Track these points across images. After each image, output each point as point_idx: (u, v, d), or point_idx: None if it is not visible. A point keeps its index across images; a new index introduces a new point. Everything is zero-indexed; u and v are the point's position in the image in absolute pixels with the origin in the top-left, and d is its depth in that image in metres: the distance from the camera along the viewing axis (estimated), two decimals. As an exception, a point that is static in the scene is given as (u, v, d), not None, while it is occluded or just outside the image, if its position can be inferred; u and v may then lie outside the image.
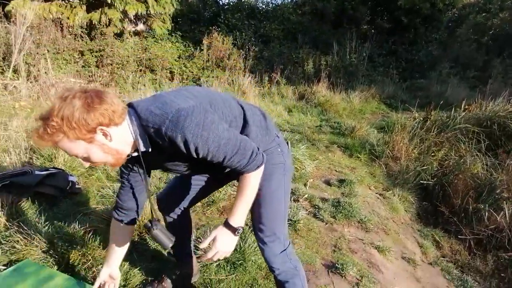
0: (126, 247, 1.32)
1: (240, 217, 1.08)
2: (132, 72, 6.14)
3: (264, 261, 1.78)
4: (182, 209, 1.44)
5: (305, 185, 2.86)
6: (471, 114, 4.37)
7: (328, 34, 8.91)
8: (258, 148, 1.06)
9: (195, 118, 0.91)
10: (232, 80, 6.41)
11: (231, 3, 9.36)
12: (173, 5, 7.59)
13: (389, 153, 3.81)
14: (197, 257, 1.69)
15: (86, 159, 0.98)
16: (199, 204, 2.22)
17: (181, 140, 0.92)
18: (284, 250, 1.23)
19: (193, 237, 1.63)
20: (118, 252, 1.31)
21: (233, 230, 1.07)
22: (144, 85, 5.94)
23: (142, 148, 1.01)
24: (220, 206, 2.32)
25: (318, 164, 3.36)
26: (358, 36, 8.28)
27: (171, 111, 0.92)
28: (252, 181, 1.07)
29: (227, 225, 1.08)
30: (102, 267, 1.34)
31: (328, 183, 3.01)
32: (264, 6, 9.67)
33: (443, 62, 8.76)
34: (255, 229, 1.24)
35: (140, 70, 6.43)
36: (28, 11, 5.16)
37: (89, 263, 1.63)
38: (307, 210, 2.46)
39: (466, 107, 4.64)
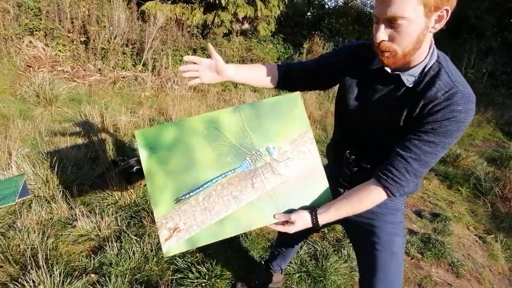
0: (250, 76, 1.14)
1: (331, 218, 0.99)
2: (234, 71, 6.64)
3: (343, 283, 1.87)
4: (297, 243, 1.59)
5: (393, 212, 2.78)
6: None
7: (443, 43, 8.09)
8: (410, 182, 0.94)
9: (469, 117, 0.87)
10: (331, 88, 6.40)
11: (337, 7, 9.23)
12: (279, 8, 7.89)
13: (498, 191, 3.38)
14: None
15: (393, 28, 0.83)
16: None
17: (453, 107, 0.84)
18: None
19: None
20: (243, 68, 1.14)
21: (315, 225, 0.98)
22: (243, 84, 6.38)
23: (417, 72, 0.91)
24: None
25: (410, 191, 3.19)
26: (479, 49, 7.32)
27: (471, 94, 0.88)
28: (372, 199, 0.95)
29: (314, 219, 0.98)
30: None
31: (419, 214, 2.86)
32: (372, 10, 9.26)
33: None
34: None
35: (242, 70, 6.90)
36: (159, 13, 6.02)
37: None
38: (392, 240, 2.41)
39: None
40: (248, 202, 1.00)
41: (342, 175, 1.13)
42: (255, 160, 1.03)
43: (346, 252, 2.08)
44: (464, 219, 2.94)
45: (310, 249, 2.10)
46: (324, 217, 0.98)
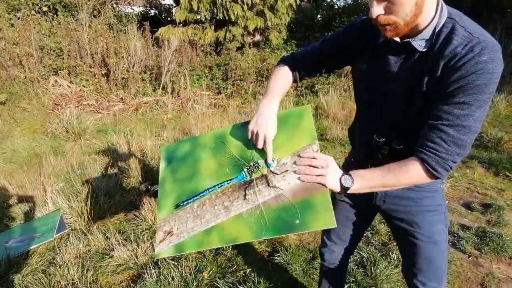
0: (287, 87, 1.11)
1: (364, 181, 0.86)
2: (251, 83, 6.65)
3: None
4: (343, 255, 1.31)
5: (439, 207, 2.58)
6: None
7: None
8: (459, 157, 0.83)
9: (498, 67, 0.76)
10: (349, 86, 6.24)
11: (347, 6, 9.12)
12: (288, 15, 7.88)
13: (552, 172, 3.08)
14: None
15: (387, 0, 0.77)
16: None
17: (477, 58, 0.75)
18: None
19: None
20: (284, 86, 1.09)
21: (347, 179, 0.85)
22: (261, 94, 6.37)
23: (426, 36, 0.83)
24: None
25: (454, 183, 2.98)
26: (503, 28, 6.91)
27: (494, 42, 0.77)
28: (410, 173, 0.84)
29: (346, 173, 0.87)
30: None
31: (468, 207, 2.64)
32: None
33: None
34: (413, 278, 1.11)
35: (259, 80, 6.90)
36: (172, 37, 6.17)
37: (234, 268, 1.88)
38: (444, 238, 2.22)
39: None
40: (237, 214, 0.96)
41: (374, 160, 1.02)
42: (251, 172, 1.01)
43: (395, 256, 1.93)
44: (519, 207, 2.69)
45: (356, 256, 1.97)
46: (357, 173, 0.87)
